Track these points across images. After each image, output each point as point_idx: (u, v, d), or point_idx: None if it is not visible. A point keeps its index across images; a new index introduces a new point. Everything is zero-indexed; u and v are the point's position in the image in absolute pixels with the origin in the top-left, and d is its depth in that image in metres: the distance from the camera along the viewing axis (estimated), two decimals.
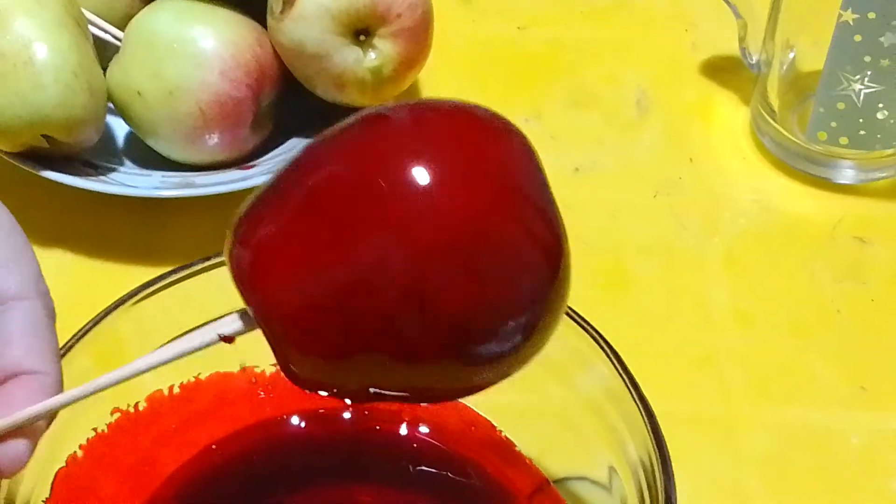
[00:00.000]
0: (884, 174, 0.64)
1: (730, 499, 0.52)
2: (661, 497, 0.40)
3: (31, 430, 0.35)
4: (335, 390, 0.35)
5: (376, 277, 0.31)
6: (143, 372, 0.35)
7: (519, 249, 0.32)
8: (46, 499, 0.42)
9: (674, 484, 0.40)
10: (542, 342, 0.34)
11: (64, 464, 0.43)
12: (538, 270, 0.32)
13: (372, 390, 0.34)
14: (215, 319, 0.35)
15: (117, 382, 0.35)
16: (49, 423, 0.36)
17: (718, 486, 0.52)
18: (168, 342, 0.36)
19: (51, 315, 0.37)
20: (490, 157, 0.32)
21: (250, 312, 0.33)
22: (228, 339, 0.34)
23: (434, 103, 0.34)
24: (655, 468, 0.41)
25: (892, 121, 0.61)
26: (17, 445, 0.34)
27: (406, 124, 0.33)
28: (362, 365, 0.33)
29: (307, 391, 0.35)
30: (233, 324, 0.34)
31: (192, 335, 0.35)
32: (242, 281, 0.33)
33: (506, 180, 0.32)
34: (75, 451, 0.44)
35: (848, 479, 0.52)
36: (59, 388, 0.36)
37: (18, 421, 0.34)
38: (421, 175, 0.31)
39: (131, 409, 0.46)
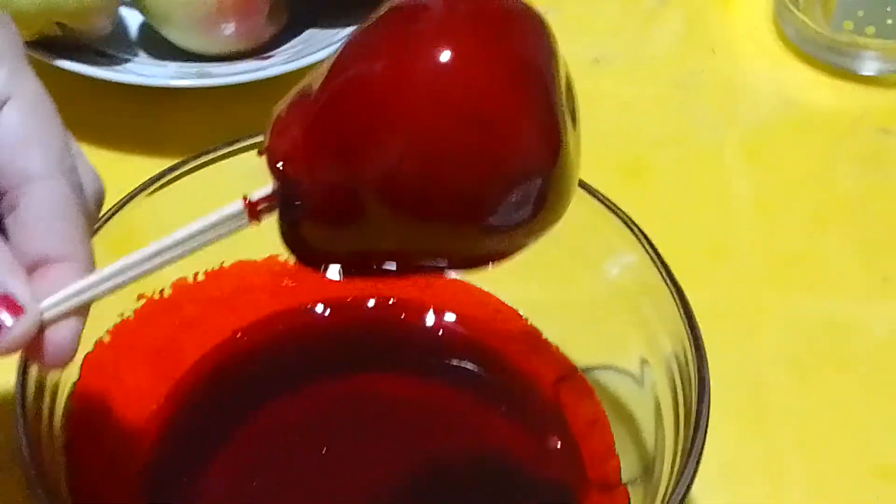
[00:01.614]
0: None
1: (751, 390, 0.52)
2: (695, 379, 0.40)
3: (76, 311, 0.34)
4: (347, 260, 0.35)
5: (393, 141, 0.32)
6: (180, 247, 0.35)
7: (519, 127, 0.33)
8: (76, 381, 0.43)
9: (707, 365, 0.40)
10: (550, 216, 0.35)
11: (92, 348, 0.43)
12: (537, 145, 0.33)
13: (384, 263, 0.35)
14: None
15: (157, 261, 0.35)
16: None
17: (739, 378, 0.52)
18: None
19: (77, 192, 0.35)
20: (498, 41, 0.33)
21: (274, 172, 0.34)
22: (254, 211, 0.34)
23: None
24: (688, 351, 0.41)
25: None
26: (69, 322, 0.34)
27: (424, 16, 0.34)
28: (376, 227, 0.34)
29: (317, 268, 0.36)
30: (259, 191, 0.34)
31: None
32: (274, 141, 0.34)
33: (510, 64, 0.33)
34: (102, 337, 0.44)
35: (870, 368, 0.53)
36: (90, 270, 0.35)
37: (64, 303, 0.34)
38: (433, 59, 0.32)
39: (157, 296, 0.46)
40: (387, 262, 0.35)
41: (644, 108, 0.63)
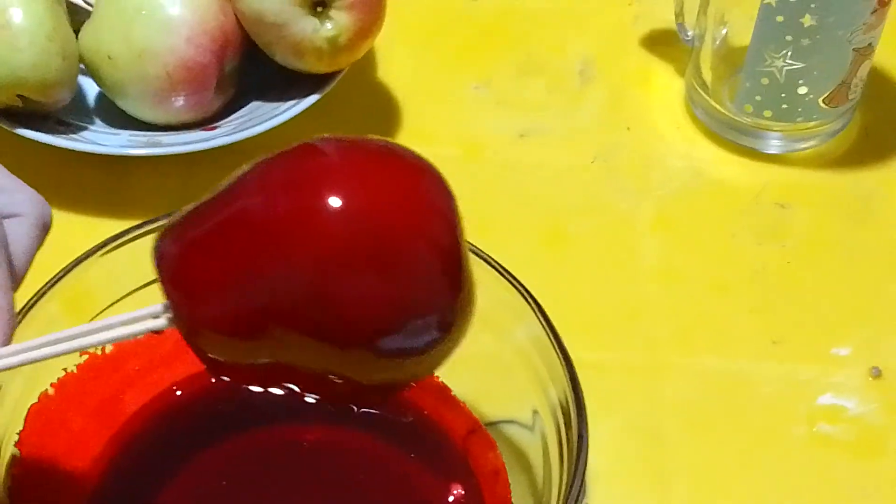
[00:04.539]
0: (806, 145, 0.67)
1: (651, 441, 0.55)
2: (575, 435, 0.44)
3: None
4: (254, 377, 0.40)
5: (289, 276, 0.36)
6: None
7: (418, 268, 0.36)
8: (20, 431, 0.46)
9: (586, 423, 0.44)
10: (447, 348, 0.39)
11: (37, 400, 0.47)
12: (436, 284, 0.37)
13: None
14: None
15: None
16: None
17: (641, 428, 0.56)
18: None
19: (1, 245, 0.38)
20: (397, 187, 0.36)
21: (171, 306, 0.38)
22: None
23: (358, 143, 0.38)
24: (571, 410, 0.45)
25: (811, 96, 0.64)
26: None
27: (325, 157, 0.37)
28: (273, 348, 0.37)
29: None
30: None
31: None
32: (167, 277, 0.38)
33: (412, 206, 0.36)
34: (47, 389, 0.47)
35: (758, 424, 0.56)
36: (10, 318, 0.38)
37: None
38: (334, 197, 0.35)
39: (99, 352, 0.50)
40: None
41: (565, 180, 0.67)
